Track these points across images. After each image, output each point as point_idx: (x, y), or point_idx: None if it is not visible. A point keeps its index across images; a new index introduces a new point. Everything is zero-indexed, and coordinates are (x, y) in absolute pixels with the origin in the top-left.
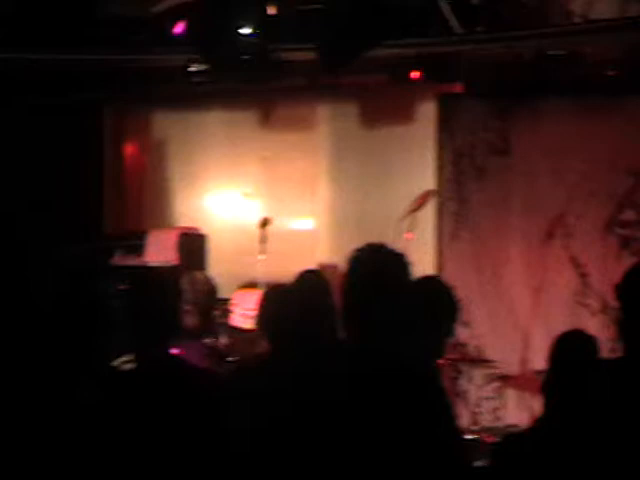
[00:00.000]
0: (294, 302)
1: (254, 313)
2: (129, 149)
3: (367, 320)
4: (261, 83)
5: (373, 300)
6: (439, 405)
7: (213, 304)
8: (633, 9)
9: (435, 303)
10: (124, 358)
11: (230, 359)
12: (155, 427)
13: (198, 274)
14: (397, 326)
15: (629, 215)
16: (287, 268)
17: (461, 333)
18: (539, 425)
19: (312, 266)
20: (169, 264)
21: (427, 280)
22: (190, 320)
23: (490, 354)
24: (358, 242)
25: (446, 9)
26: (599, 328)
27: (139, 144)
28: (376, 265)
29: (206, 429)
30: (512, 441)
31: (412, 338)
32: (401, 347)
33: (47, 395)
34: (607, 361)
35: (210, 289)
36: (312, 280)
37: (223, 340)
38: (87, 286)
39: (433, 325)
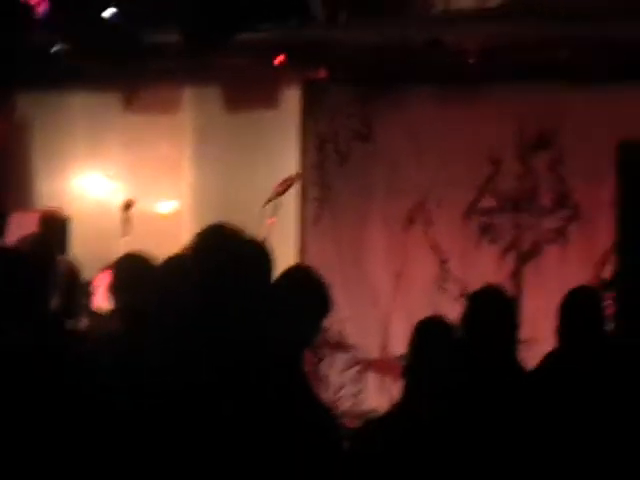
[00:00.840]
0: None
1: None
2: None
3: (216, 305)
4: (125, 66)
5: (220, 286)
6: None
7: (76, 287)
8: (492, 1)
9: (304, 296)
10: None
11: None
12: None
13: (59, 257)
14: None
15: (489, 202)
16: (151, 250)
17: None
18: (398, 410)
19: (176, 249)
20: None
21: (296, 271)
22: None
23: (351, 339)
24: None
25: None
26: (459, 313)
27: (0, 125)
28: (218, 247)
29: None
30: (371, 426)
31: (276, 327)
32: (265, 337)
33: None
34: (465, 345)
35: (71, 272)
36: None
37: (83, 322)
38: None
39: (301, 316)
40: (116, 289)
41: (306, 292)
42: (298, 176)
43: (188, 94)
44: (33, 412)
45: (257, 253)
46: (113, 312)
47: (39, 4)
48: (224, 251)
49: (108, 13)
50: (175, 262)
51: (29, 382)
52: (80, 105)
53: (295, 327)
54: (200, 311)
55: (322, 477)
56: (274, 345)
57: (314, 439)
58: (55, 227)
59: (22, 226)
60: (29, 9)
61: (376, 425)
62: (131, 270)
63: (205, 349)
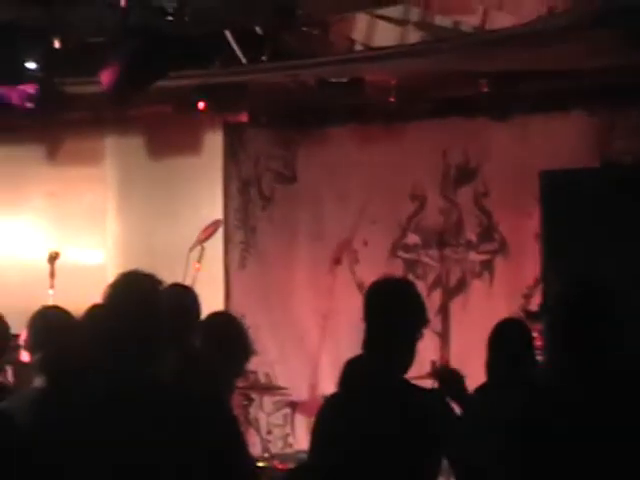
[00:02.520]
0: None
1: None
2: None
3: (138, 352)
4: (46, 117)
5: (130, 330)
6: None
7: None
8: (412, 37)
9: (225, 340)
10: None
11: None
12: None
13: None
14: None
15: (413, 239)
16: (77, 302)
17: (251, 361)
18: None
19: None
20: None
21: (217, 316)
22: None
23: (280, 381)
24: None
25: (231, 39)
26: None
27: None
28: (129, 294)
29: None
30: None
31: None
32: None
33: None
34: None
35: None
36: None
37: (9, 376)
38: None
39: (224, 361)
40: (31, 346)
41: (227, 340)
42: (222, 221)
43: (110, 144)
44: None
45: (174, 296)
46: (31, 367)
47: None
48: (135, 297)
49: (29, 64)
50: (92, 313)
51: None
52: (2, 156)
53: (218, 374)
54: (112, 359)
55: None
56: (200, 392)
57: None
58: None
59: None
60: None
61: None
62: (45, 326)
63: (126, 400)
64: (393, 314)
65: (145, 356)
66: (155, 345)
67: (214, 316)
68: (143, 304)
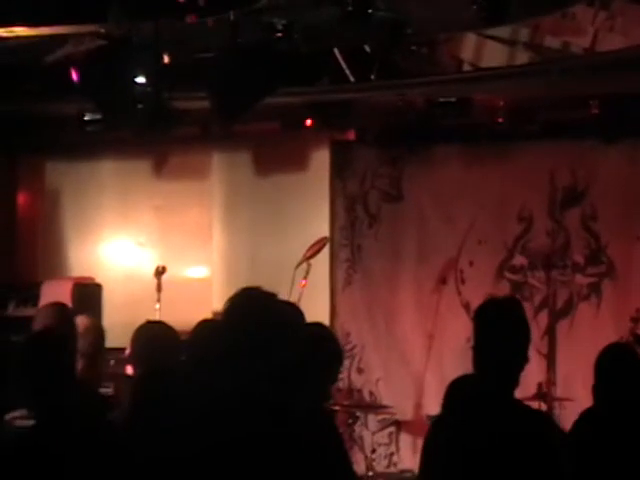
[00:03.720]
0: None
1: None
2: (22, 198)
3: (245, 367)
4: (155, 132)
5: (249, 345)
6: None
7: (100, 351)
8: (520, 58)
9: (317, 349)
10: (16, 413)
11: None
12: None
13: (83, 319)
14: (274, 370)
15: (519, 260)
16: (183, 316)
17: (356, 379)
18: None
19: (207, 314)
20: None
21: (310, 326)
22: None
23: (384, 399)
24: None
25: (340, 57)
26: None
27: (32, 193)
28: (250, 309)
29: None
30: None
31: (294, 384)
32: (283, 394)
33: None
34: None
35: (97, 335)
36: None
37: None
38: None
39: (317, 371)
40: (134, 360)
41: (319, 347)
42: (328, 238)
43: (217, 159)
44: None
45: (290, 315)
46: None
47: (70, 74)
48: (256, 314)
49: (139, 80)
50: (206, 327)
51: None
52: (110, 172)
53: (314, 383)
54: (233, 372)
55: None
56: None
57: None
58: (87, 295)
59: (55, 294)
60: (60, 78)
61: None
62: (148, 341)
63: (237, 410)
64: (504, 335)
65: (269, 374)
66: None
67: (313, 326)
68: (265, 320)
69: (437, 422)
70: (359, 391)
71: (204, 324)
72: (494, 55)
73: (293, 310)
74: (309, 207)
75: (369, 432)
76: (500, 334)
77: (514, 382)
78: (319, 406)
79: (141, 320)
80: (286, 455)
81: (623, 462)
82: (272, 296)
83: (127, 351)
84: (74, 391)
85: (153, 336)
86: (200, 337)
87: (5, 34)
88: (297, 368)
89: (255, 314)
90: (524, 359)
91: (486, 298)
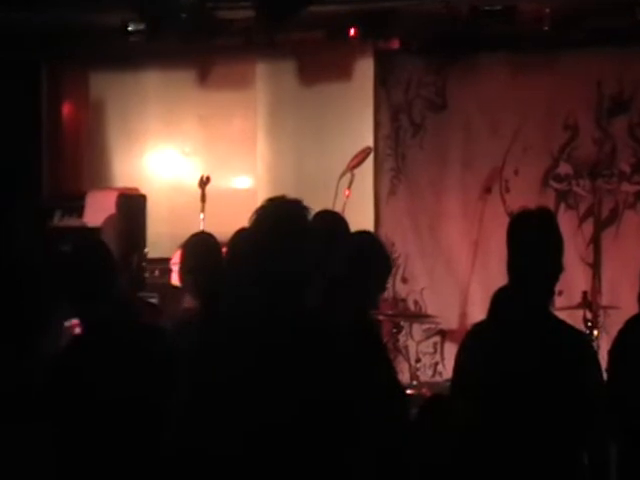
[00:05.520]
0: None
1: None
2: (66, 109)
3: (271, 272)
4: (198, 42)
5: (272, 251)
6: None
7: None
8: None
9: (364, 256)
10: (73, 320)
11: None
12: (118, 389)
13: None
14: (303, 277)
15: (565, 169)
16: (227, 227)
17: (400, 289)
18: None
19: None
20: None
21: (358, 234)
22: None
23: (429, 309)
24: None
25: None
26: None
27: (76, 104)
28: (278, 215)
29: (164, 384)
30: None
31: (341, 291)
32: (328, 300)
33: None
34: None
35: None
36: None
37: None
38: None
39: (364, 278)
40: (182, 269)
41: (367, 254)
42: (372, 148)
43: (261, 69)
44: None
45: (327, 226)
46: (183, 290)
47: None
48: (282, 223)
49: None
50: (241, 235)
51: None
52: (154, 82)
53: (361, 290)
54: (260, 278)
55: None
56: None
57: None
58: (132, 205)
59: (100, 205)
60: None
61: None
62: (196, 251)
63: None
64: (535, 246)
65: (291, 283)
66: (301, 271)
67: (355, 235)
68: (290, 229)
69: (473, 328)
70: (404, 300)
71: (240, 233)
72: None
73: (336, 219)
74: (353, 116)
75: (414, 341)
76: (531, 245)
77: (549, 293)
78: (365, 315)
79: (185, 231)
80: (315, 363)
81: None
82: (297, 203)
83: (174, 260)
84: (121, 299)
85: (201, 246)
86: (234, 245)
87: None
88: (339, 276)
89: (278, 222)
90: (558, 269)
91: (521, 209)
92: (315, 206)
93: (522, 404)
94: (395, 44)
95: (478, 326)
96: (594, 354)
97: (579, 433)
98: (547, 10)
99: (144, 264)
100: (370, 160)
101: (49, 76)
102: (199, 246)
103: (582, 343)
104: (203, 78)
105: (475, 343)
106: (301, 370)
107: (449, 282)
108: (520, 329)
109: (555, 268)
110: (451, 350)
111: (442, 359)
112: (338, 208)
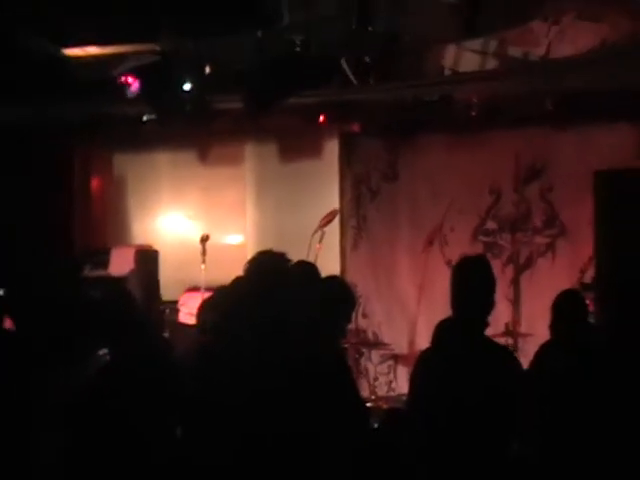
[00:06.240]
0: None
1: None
2: (94, 183)
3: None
4: (199, 128)
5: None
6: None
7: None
8: (490, 64)
9: (335, 297)
10: (104, 351)
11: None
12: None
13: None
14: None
15: (491, 225)
16: (224, 275)
17: (362, 322)
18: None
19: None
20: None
21: (328, 279)
22: None
23: (385, 338)
24: None
25: (345, 65)
26: None
27: (102, 178)
28: (264, 265)
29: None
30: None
31: (319, 325)
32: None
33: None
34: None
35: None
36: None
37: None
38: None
39: (331, 312)
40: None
41: (337, 293)
42: (338, 210)
43: (249, 149)
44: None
45: (301, 274)
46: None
47: (132, 84)
48: (270, 271)
49: (186, 86)
50: (235, 283)
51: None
52: (164, 161)
53: (333, 321)
54: (247, 315)
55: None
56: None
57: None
58: (147, 258)
59: (121, 259)
60: (124, 87)
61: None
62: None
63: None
64: (474, 286)
65: (275, 322)
66: (282, 304)
67: (327, 279)
68: (275, 275)
69: (423, 354)
70: (364, 332)
71: (236, 280)
72: (469, 62)
73: (309, 268)
74: (322, 185)
75: (372, 364)
76: (471, 285)
77: (484, 323)
78: (338, 341)
79: (190, 279)
80: (310, 379)
81: (576, 380)
82: (280, 256)
83: (181, 302)
84: (141, 334)
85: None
86: (232, 290)
87: (80, 53)
88: (317, 312)
89: (266, 270)
90: (491, 304)
91: (461, 257)
92: (294, 257)
93: (466, 411)
94: (356, 128)
95: (425, 353)
96: (519, 363)
97: (510, 426)
98: (475, 100)
99: (161, 307)
100: (337, 220)
101: (80, 156)
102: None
103: (510, 355)
104: (203, 157)
105: (424, 369)
106: (295, 388)
107: (400, 317)
108: (462, 354)
109: (489, 303)
110: (402, 371)
111: (395, 378)
112: (311, 259)
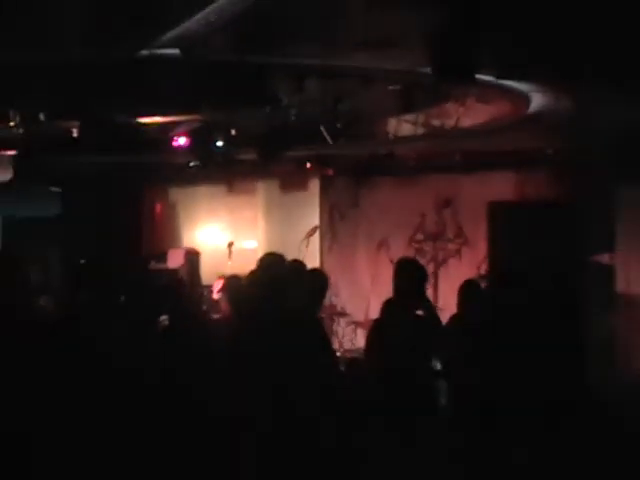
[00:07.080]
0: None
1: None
2: (157, 208)
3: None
4: (227, 171)
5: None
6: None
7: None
8: (420, 130)
9: (317, 282)
10: (163, 317)
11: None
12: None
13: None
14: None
15: (419, 236)
16: (243, 268)
17: (334, 300)
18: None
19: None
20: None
21: (312, 270)
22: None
23: (348, 310)
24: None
25: (324, 131)
26: None
27: (161, 204)
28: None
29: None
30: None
31: (305, 301)
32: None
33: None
34: None
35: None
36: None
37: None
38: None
39: (314, 293)
40: (227, 295)
41: (317, 281)
42: (318, 226)
43: (261, 185)
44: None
45: (294, 267)
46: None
47: (180, 139)
48: (273, 266)
49: (218, 144)
50: (249, 274)
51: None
52: (203, 192)
53: (313, 300)
54: (266, 302)
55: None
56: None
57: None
58: (192, 257)
59: (175, 257)
60: (175, 142)
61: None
62: (233, 285)
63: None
64: (406, 275)
65: (276, 298)
66: (280, 292)
67: (310, 271)
68: (276, 269)
69: (375, 322)
70: (335, 306)
71: (251, 272)
72: (405, 129)
73: (299, 264)
74: (308, 209)
75: (341, 328)
76: (405, 276)
77: (415, 300)
78: (317, 314)
79: (220, 271)
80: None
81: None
82: (280, 256)
83: (215, 287)
84: (188, 306)
85: (234, 282)
86: (248, 279)
87: (149, 121)
88: (305, 295)
89: (270, 266)
90: (420, 289)
91: (399, 258)
92: (289, 257)
93: (402, 353)
94: (331, 172)
95: (376, 321)
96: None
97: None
98: (410, 154)
99: (201, 289)
100: (317, 233)
101: (147, 190)
102: (234, 282)
103: (431, 307)
104: (229, 190)
105: (375, 332)
106: (293, 342)
107: (359, 297)
108: (399, 322)
109: (418, 287)
110: (360, 332)
111: (355, 337)
112: (301, 258)
